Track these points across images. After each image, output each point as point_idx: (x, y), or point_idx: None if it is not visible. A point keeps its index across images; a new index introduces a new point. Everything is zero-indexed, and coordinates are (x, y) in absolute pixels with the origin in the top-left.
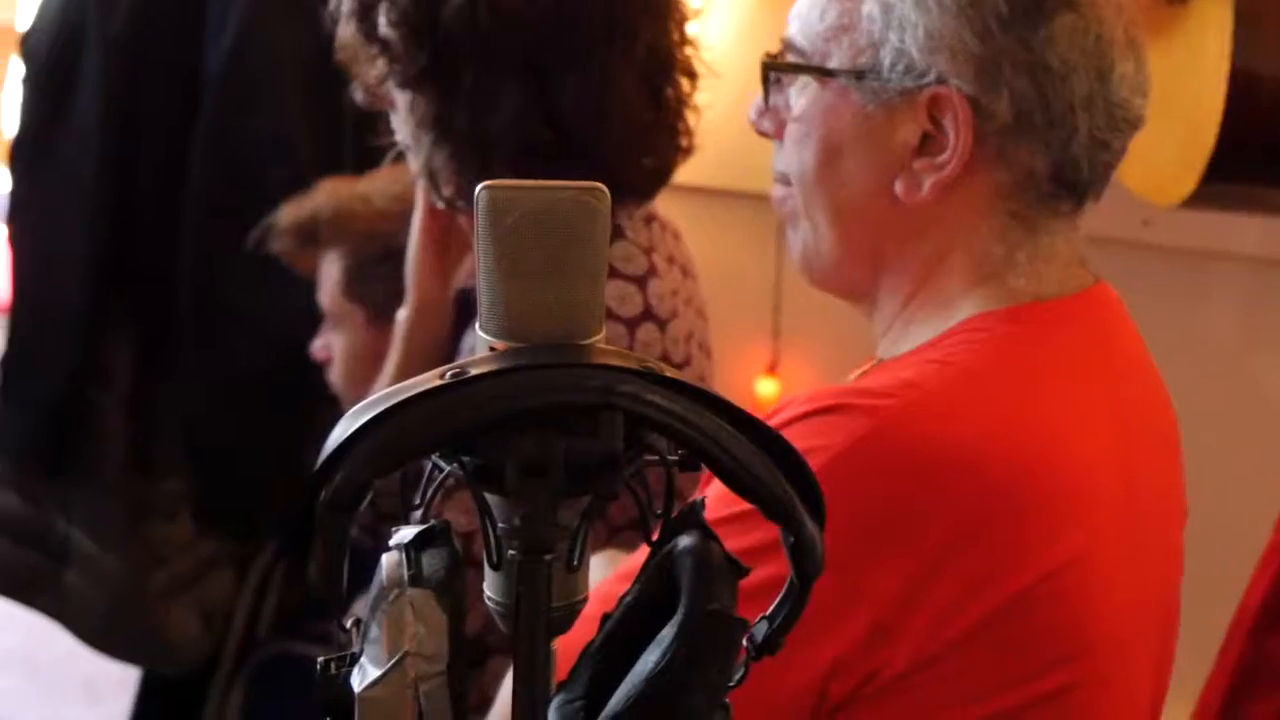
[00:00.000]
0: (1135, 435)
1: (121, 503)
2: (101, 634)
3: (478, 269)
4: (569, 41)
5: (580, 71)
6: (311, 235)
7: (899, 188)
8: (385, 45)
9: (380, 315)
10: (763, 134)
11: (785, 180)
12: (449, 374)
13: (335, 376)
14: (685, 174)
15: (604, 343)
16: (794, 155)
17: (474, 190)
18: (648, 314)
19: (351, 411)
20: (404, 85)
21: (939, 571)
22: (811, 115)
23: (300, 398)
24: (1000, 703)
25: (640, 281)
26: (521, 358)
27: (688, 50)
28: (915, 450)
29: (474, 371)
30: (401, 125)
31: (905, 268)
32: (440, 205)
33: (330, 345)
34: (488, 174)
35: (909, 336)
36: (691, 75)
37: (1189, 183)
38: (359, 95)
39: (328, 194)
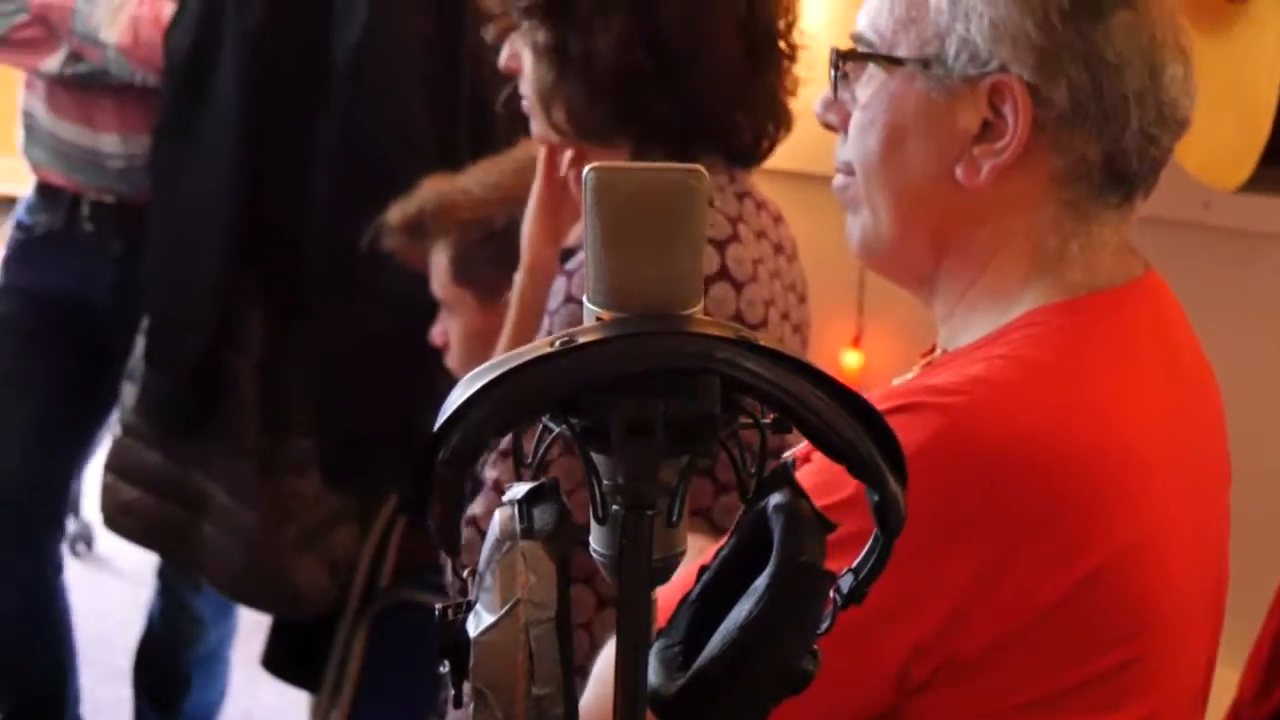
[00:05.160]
0: (1187, 412)
1: (255, 460)
2: (237, 583)
3: (585, 243)
4: None
5: (680, 3)
6: (419, 229)
7: (959, 172)
8: None
9: (490, 296)
10: (827, 126)
11: (848, 170)
12: (558, 342)
13: (453, 360)
14: (781, 160)
15: (702, 314)
16: (858, 143)
17: (581, 115)
18: (723, 273)
19: (468, 376)
20: (526, 13)
21: (1010, 560)
22: (877, 103)
23: (420, 366)
24: (1067, 679)
25: (721, 245)
26: (625, 327)
27: (794, 37)
28: (986, 446)
29: (581, 340)
30: (527, 81)
31: (964, 253)
32: (559, 159)
33: (447, 330)
34: (595, 99)
35: (971, 326)
36: (792, 59)
37: (1247, 167)
38: (502, 57)
39: (431, 189)
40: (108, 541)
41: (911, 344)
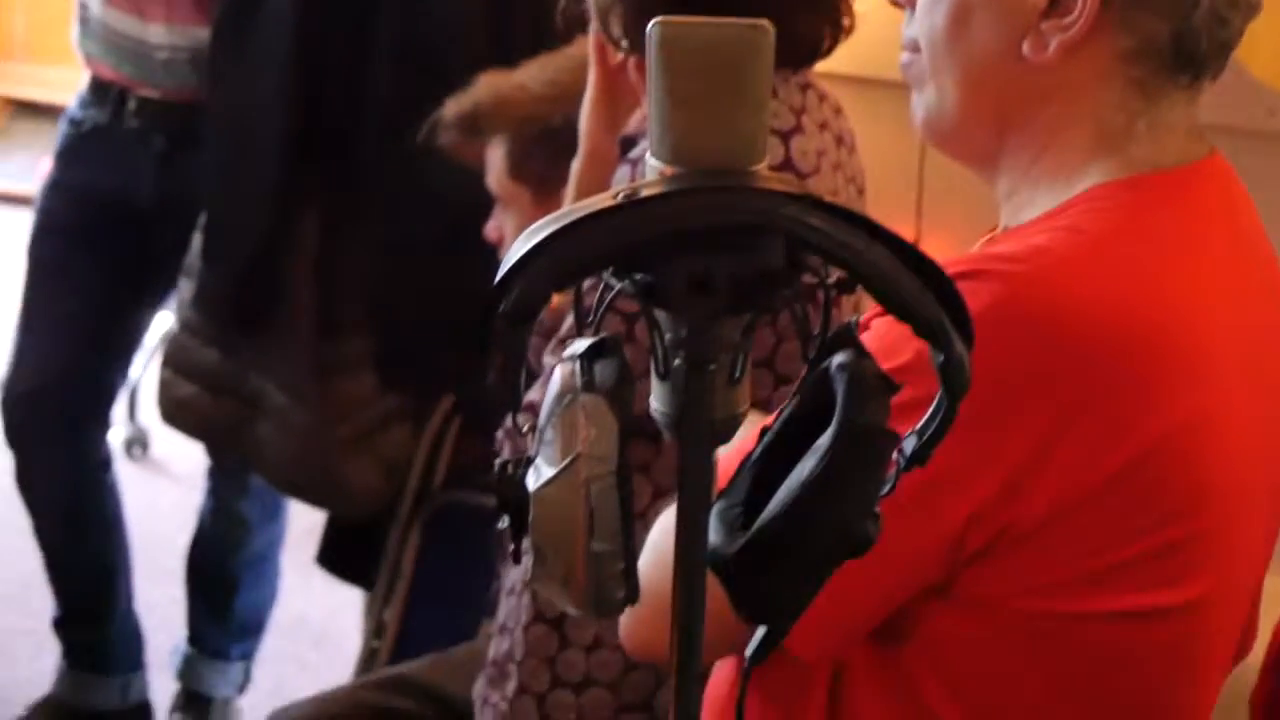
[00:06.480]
0: (1254, 298)
1: (310, 360)
2: (292, 479)
3: (649, 99)
4: None
5: None
6: (474, 126)
7: (1026, 47)
8: None
9: (546, 192)
10: (895, 3)
11: (914, 47)
12: (621, 195)
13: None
14: (838, 64)
15: (766, 170)
16: (926, 18)
17: (640, 29)
18: (788, 164)
19: (530, 229)
20: None
21: (1068, 430)
22: None
23: (474, 266)
24: (1122, 553)
25: (785, 135)
26: (688, 181)
27: None
28: (1045, 314)
29: (645, 193)
30: None
31: (1029, 130)
32: (612, 48)
33: (501, 225)
34: (650, 16)
35: (1034, 203)
36: None
37: None
38: None
39: (487, 86)
40: (163, 446)
41: (969, 247)
